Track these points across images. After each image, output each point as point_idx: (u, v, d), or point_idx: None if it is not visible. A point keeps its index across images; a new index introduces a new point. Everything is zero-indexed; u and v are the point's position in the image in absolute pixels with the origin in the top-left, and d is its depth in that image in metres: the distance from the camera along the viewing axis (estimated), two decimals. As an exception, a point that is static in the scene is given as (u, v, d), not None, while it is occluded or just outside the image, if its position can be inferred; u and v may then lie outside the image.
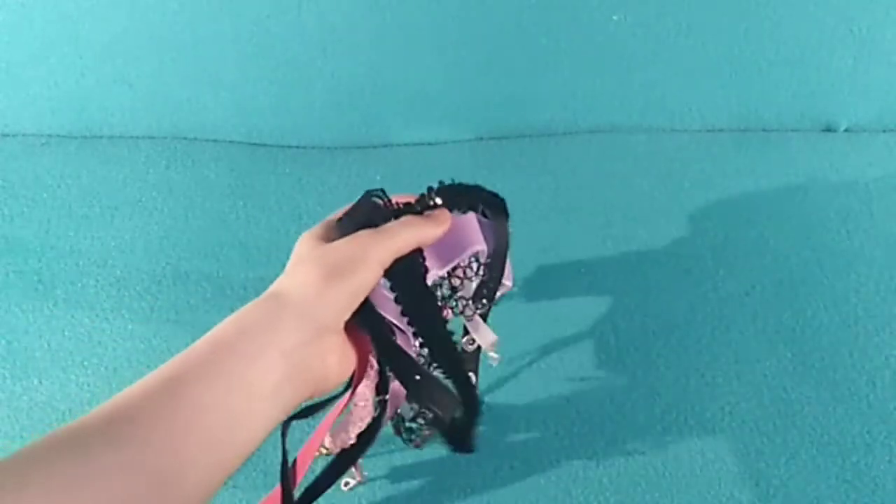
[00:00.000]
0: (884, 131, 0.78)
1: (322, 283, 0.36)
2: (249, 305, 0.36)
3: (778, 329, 0.59)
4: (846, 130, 0.78)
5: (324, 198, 0.69)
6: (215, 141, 0.76)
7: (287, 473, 0.44)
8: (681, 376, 0.56)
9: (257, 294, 0.65)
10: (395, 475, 0.51)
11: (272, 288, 0.38)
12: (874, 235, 0.66)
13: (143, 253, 0.65)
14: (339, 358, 0.38)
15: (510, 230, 0.50)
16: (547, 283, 0.62)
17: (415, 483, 0.51)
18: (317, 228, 0.40)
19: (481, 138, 0.78)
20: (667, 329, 0.59)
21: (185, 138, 0.76)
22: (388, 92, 0.74)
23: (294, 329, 0.35)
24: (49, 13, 0.70)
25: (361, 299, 0.39)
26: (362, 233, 0.39)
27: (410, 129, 0.76)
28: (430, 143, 0.77)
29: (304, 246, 0.39)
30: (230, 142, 0.76)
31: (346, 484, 0.51)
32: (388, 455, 0.52)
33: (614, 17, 0.71)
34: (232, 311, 0.63)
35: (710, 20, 0.71)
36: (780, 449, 0.53)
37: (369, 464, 0.52)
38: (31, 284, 0.63)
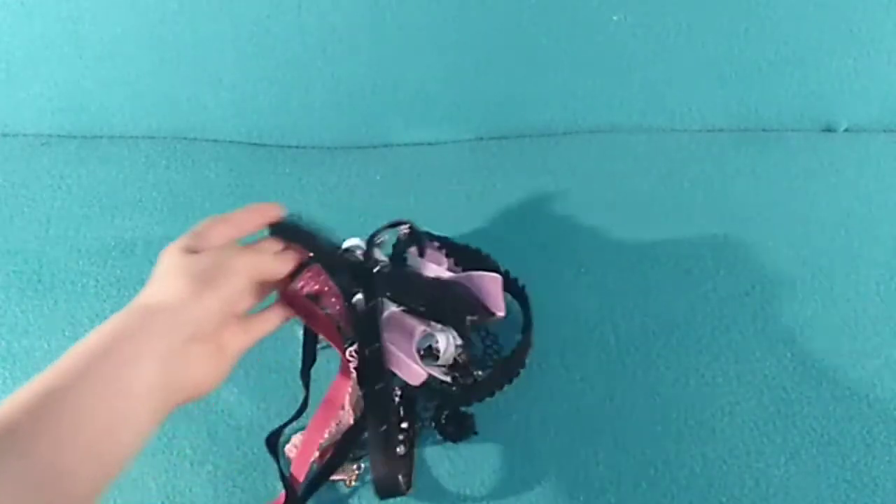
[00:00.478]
0: (884, 131, 0.78)
1: (191, 292, 0.38)
2: (119, 315, 0.37)
3: (778, 329, 0.59)
4: (846, 130, 0.78)
5: (324, 198, 0.69)
6: (215, 141, 0.76)
7: (288, 483, 0.46)
8: (681, 376, 0.56)
9: (257, 294, 0.65)
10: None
11: (139, 299, 0.39)
12: (874, 235, 0.66)
13: (143, 253, 0.65)
14: (209, 366, 0.40)
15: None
16: (547, 283, 0.62)
17: (412, 483, 0.51)
18: (181, 240, 0.41)
19: (481, 138, 0.77)
20: (667, 329, 0.59)
21: (185, 138, 0.76)
22: (388, 92, 0.74)
23: (166, 336, 0.36)
24: (49, 13, 0.70)
25: (235, 307, 0.41)
26: (228, 245, 0.41)
27: (410, 129, 0.76)
28: (430, 143, 0.77)
29: (170, 258, 0.40)
30: (230, 142, 0.76)
31: (349, 481, 0.51)
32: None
33: (614, 18, 0.71)
34: (232, 311, 0.62)
35: (710, 20, 0.71)
36: (780, 449, 0.53)
37: (365, 461, 0.52)
38: (31, 284, 0.63)
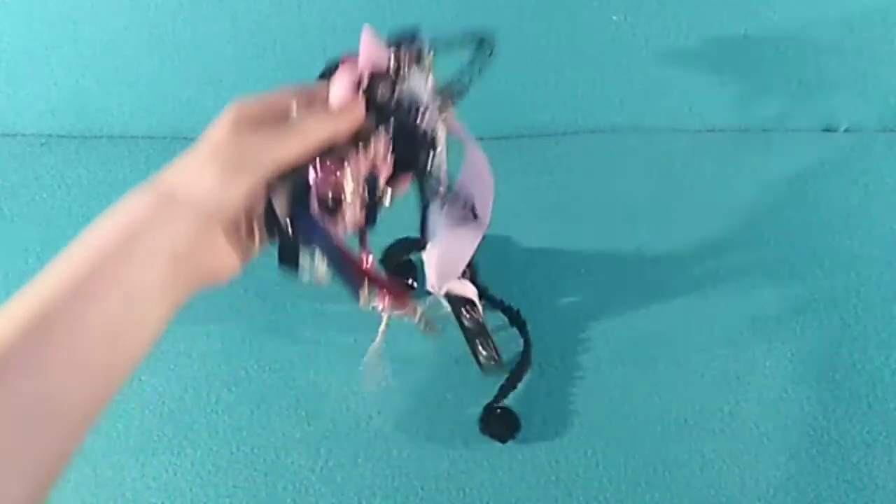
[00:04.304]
0: (884, 131, 0.78)
1: (222, 180, 0.34)
2: (136, 199, 0.33)
3: (778, 329, 0.59)
4: (846, 130, 0.78)
5: (324, 198, 0.68)
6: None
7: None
8: (681, 376, 0.56)
9: (257, 294, 0.66)
10: (393, 476, 0.51)
11: (163, 179, 0.34)
12: (874, 235, 0.66)
13: (143, 253, 0.65)
14: (230, 256, 0.37)
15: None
16: (547, 283, 0.62)
17: (412, 483, 0.51)
18: (242, 107, 0.36)
19: (481, 138, 0.77)
20: (667, 329, 0.59)
21: (185, 138, 0.76)
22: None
23: (186, 230, 0.33)
24: (49, 13, 0.70)
25: (259, 197, 0.37)
26: (270, 129, 0.36)
27: (410, 129, 0.76)
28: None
29: (219, 131, 0.35)
30: (230, 142, 0.76)
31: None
32: (386, 456, 0.52)
33: (614, 18, 0.71)
34: (231, 309, 0.63)
35: (710, 20, 0.71)
36: (780, 449, 0.53)
37: (363, 461, 0.52)
38: (31, 284, 0.63)
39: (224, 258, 0.36)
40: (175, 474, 0.52)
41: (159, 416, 0.54)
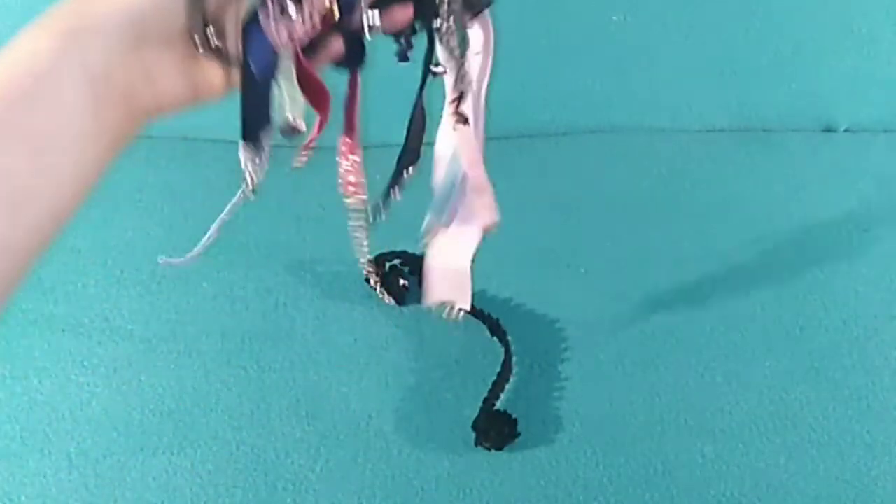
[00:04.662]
0: (884, 131, 0.78)
1: None
2: (31, 34, 0.29)
3: (778, 329, 0.59)
4: (846, 130, 0.78)
5: (324, 198, 0.68)
6: (215, 141, 0.76)
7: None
8: (681, 376, 0.56)
9: (258, 294, 0.66)
10: (393, 476, 0.51)
11: (63, 4, 0.29)
12: (874, 235, 0.66)
13: (143, 253, 0.65)
14: (168, 74, 0.30)
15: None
16: (547, 283, 0.62)
17: (411, 483, 0.51)
18: None
19: (481, 138, 0.77)
20: (667, 329, 0.59)
21: (185, 138, 0.76)
22: (387, 92, 0.74)
23: (102, 48, 0.27)
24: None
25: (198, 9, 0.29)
26: None
27: (410, 129, 0.76)
28: (429, 143, 0.77)
29: None
30: (230, 142, 0.75)
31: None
32: (386, 456, 0.52)
33: (614, 18, 0.71)
34: (233, 311, 0.63)
35: (710, 20, 0.71)
36: (780, 449, 0.53)
37: (363, 461, 0.52)
38: (32, 284, 0.63)
39: (165, 80, 0.30)
40: (175, 474, 0.52)
41: (159, 416, 0.54)
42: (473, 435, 0.52)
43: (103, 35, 0.27)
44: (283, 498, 0.50)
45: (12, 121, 0.26)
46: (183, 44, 0.29)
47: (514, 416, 0.53)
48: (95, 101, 0.27)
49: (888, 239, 0.66)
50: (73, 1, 0.28)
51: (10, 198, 0.25)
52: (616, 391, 0.56)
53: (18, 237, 0.26)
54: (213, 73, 0.32)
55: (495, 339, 0.57)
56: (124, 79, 0.28)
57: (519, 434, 0.52)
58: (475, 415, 0.53)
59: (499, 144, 0.76)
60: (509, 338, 0.57)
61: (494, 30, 0.41)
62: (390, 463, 0.52)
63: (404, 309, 0.60)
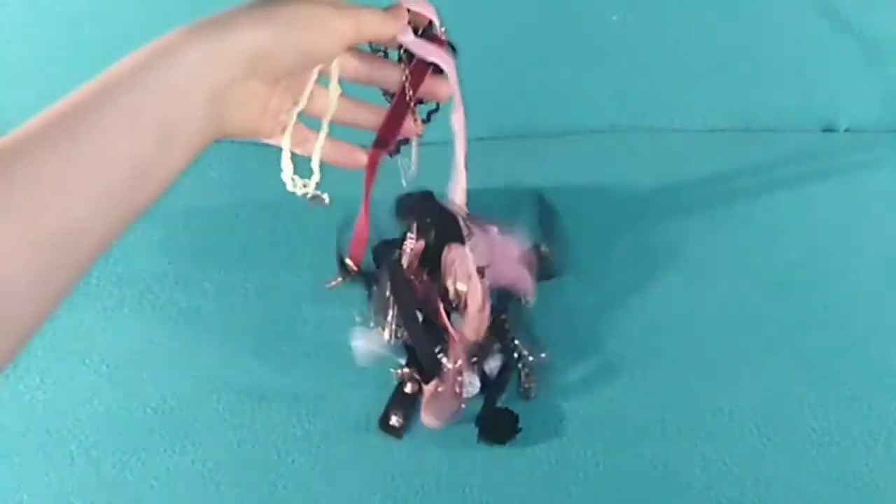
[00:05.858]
0: (884, 131, 0.78)
1: (273, 29, 0.33)
2: (179, 35, 0.33)
3: (778, 329, 0.59)
4: (846, 130, 0.78)
5: (324, 198, 0.68)
6: (215, 141, 0.76)
7: None
8: (681, 376, 0.56)
9: (258, 294, 0.66)
10: (393, 476, 0.51)
11: (213, 20, 0.33)
12: (874, 235, 0.66)
13: (143, 253, 0.65)
14: (260, 110, 0.36)
15: None
16: (546, 282, 0.62)
17: (412, 483, 0.51)
18: None
19: (481, 138, 0.77)
20: (667, 329, 0.59)
21: (185, 138, 0.76)
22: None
23: (230, 69, 0.32)
24: (49, 13, 0.70)
25: (311, 66, 0.37)
26: (330, 3, 0.36)
27: (410, 129, 0.76)
28: (430, 143, 0.77)
29: None
30: (230, 142, 0.76)
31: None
32: (386, 456, 0.53)
33: (614, 18, 0.71)
34: (233, 311, 0.63)
35: (711, 20, 0.71)
36: (780, 449, 0.53)
37: (363, 461, 0.52)
38: (32, 284, 0.63)
39: (254, 113, 0.36)
40: (175, 474, 0.52)
41: (159, 415, 0.54)
42: (474, 433, 0.52)
43: (233, 60, 0.32)
44: (283, 498, 0.50)
45: (148, 109, 0.30)
46: (270, 86, 0.36)
47: (515, 412, 0.53)
48: (207, 111, 0.32)
49: (888, 239, 0.66)
50: (216, 22, 0.33)
51: (137, 164, 0.29)
52: (616, 391, 0.56)
53: (129, 216, 0.30)
54: (274, 127, 0.39)
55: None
56: (229, 100, 0.33)
57: (520, 430, 0.52)
58: (474, 414, 0.53)
59: (499, 144, 0.76)
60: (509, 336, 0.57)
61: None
62: (390, 463, 0.52)
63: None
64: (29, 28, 0.71)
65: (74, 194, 0.27)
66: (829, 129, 0.78)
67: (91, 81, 0.31)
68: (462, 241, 0.54)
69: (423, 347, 0.52)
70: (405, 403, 0.53)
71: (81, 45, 0.72)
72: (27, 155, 0.27)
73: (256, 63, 0.33)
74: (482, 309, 0.52)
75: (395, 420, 0.53)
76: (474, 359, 0.54)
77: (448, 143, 0.76)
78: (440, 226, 0.55)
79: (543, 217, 0.64)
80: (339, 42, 0.36)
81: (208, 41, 0.32)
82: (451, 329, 0.51)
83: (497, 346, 0.56)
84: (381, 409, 0.54)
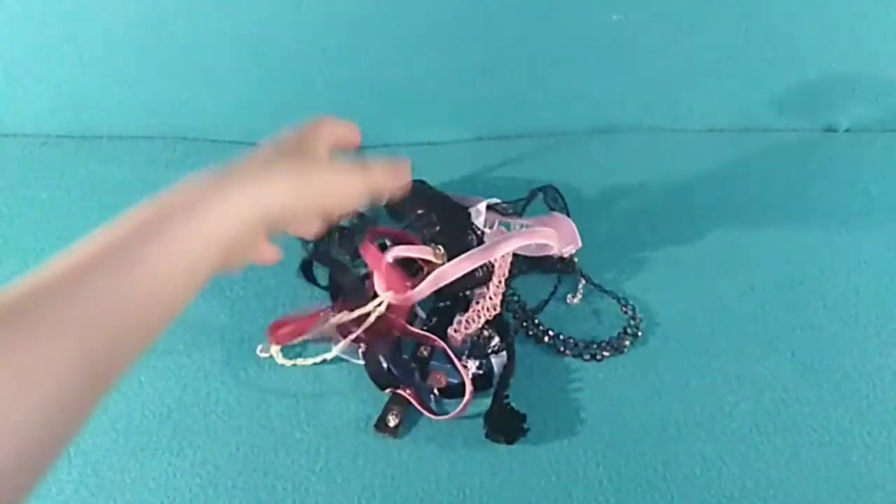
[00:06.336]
0: (884, 131, 0.78)
1: (304, 200, 0.37)
2: (205, 184, 0.36)
3: (778, 329, 0.59)
4: (846, 130, 0.78)
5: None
6: (215, 141, 0.76)
7: None
8: (681, 376, 0.56)
9: (257, 293, 0.66)
10: (393, 476, 0.51)
11: (236, 171, 0.37)
12: (874, 235, 0.66)
13: (142, 253, 0.65)
14: (263, 250, 0.39)
15: None
16: (546, 282, 0.62)
17: (412, 483, 0.51)
18: (286, 138, 0.41)
19: (481, 138, 0.78)
20: (667, 329, 0.59)
21: (185, 138, 0.76)
22: (388, 92, 0.74)
23: (246, 222, 0.35)
24: (49, 13, 0.70)
25: (318, 223, 0.40)
26: (343, 164, 0.39)
27: (410, 129, 0.76)
28: (430, 143, 0.77)
29: (276, 155, 0.39)
30: (230, 142, 0.76)
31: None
32: (386, 456, 0.52)
33: (614, 17, 0.71)
34: (231, 310, 0.63)
35: (711, 20, 0.71)
36: (780, 449, 0.53)
37: (363, 461, 0.52)
38: (31, 284, 0.63)
39: (252, 251, 0.39)
40: (175, 474, 0.52)
41: (159, 416, 0.54)
42: (474, 433, 0.52)
43: (262, 220, 0.35)
44: (283, 498, 0.50)
45: (179, 245, 0.33)
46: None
47: (522, 412, 0.53)
48: (216, 255, 0.34)
49: (888, 239, 0.66)
50: (241, 181, 0.36)
51: (159, 295, 0.32)
52: (616, 391, 0.56)
53: (152, 328, 0.33)
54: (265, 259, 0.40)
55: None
56: (243, 242, 0.36)
57: (528, 429, 0.52)
58: (474, 414, 0.53)
59: (499, 144, 0.76)
60: (511, 336, 0.57)
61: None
62: (390, 463, 0.52)
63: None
64: (29, 28, 0.71)
65: (124, 325, 0.31)
66: (829, 129, 0.78)
67: (139, 213, 0.35)
68: (466, 222, 0.61)
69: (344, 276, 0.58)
70: (402, 404, 0.53)
71: (81, 45, 0.72)
72: (83, 285, 0.31)
73: (266, 219, 0.36)
74: (500, 284, 0.58)
75: (391, 420, 0.53)
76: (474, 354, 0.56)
77: (448, 144, 0.76)
78: (439, 207, 0.61)
79: (554, 208, 0.66)
80: (351, 206, 0.40)
81: (244, 208, 0.35)
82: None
83: (499, 342, 0.57)
84: (380, 410, 0.54)
